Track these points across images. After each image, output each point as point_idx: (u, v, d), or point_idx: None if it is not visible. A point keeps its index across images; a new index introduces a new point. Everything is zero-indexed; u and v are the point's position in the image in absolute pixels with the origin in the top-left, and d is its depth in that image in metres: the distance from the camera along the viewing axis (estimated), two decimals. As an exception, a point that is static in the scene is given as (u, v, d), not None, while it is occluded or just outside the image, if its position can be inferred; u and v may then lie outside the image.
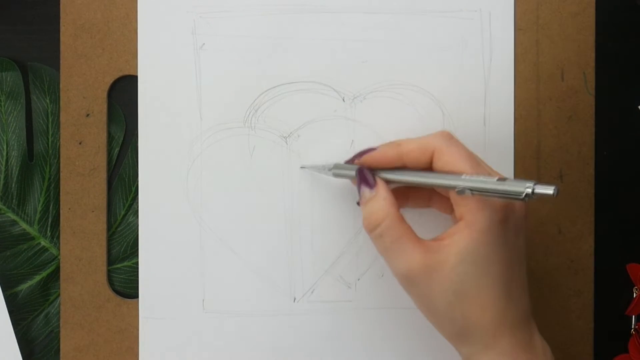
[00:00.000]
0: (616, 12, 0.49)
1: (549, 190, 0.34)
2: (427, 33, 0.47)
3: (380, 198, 0.40)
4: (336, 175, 0.45)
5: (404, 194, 0.44)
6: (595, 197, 0.48)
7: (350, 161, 0.43)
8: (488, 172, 0.39)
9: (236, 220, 0.47)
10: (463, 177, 0.38)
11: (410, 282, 0.39)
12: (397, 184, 0.41)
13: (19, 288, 0.48)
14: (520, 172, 0.48)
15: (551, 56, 0.48)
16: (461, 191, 0.37)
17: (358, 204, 0.41)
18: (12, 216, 0.48)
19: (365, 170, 0.41)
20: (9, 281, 0.48)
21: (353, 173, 0.42)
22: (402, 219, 0.39)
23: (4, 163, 0.48)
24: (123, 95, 0.48)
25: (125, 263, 0.48)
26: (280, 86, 0.47)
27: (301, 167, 0.47)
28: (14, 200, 0.48)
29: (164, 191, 0.47)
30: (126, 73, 0.47)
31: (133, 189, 0.48)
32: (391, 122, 0.47)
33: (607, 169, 0.49)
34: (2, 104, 0.48)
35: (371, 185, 0.41)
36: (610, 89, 0.49)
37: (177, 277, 0.47)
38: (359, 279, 0.48)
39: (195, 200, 0.47)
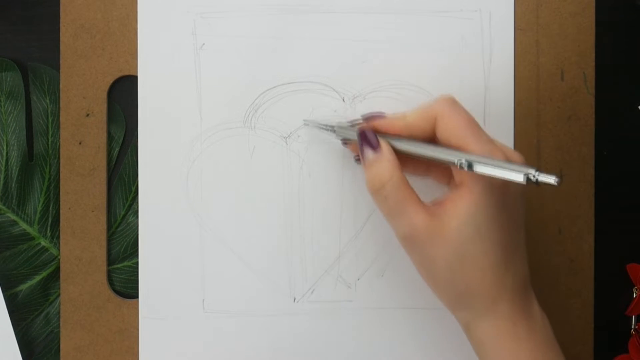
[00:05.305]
0: (616, 12, 0.49)
1: (551, 179, 0.35)
2: (427, 33, 0.47)
3: (384, 160, 0.40)
4: (339, 135, 0.44)
5: (404, 161, 0.43)
6: (595, 197, 0.48)
7: (357, 122, 0.43)
8: (488, 139, 0.39)
9: (236, 220, 0.47)
10: (465, 154, 0.38)
11: (412, 244, 0.39)
12: (399, 152, 0.41)
13: (19, 288, 0.48)
14: (520, 172, 0.48)
15: (551, 56, 0.48)
16: (461, 166, 0.38)
17: (357, 160, 0.41)
18: (12, 216, 0.48)
19: (369, 132, 0.41)
20: (9, 281, 0.48)
21: (356, 135, 0.42)
22: (406, 181, 0.40)
23: (4, 163, 0.48)
24: (123, 95, 0.48)
25: (125, 263, 0.48)
26: (280, 86, 0.47)
27: (304, 123, 0.47)
28: (14, 200, 0.48)
29: (164, 191, 0.47)
30: (126, 73, 0.47)
31: (133, 189, 0.48)
32: (391, 122, 0.47)
33: (607, 169, 0.49)
34: (2, 104, 0.48)
35: (374, 147, 0.40)
36: (610, 89, 0.49)
37: (177, 277, 0.47)
38: (359, 279, 0.48)
39: (195, 200, 0.47)
